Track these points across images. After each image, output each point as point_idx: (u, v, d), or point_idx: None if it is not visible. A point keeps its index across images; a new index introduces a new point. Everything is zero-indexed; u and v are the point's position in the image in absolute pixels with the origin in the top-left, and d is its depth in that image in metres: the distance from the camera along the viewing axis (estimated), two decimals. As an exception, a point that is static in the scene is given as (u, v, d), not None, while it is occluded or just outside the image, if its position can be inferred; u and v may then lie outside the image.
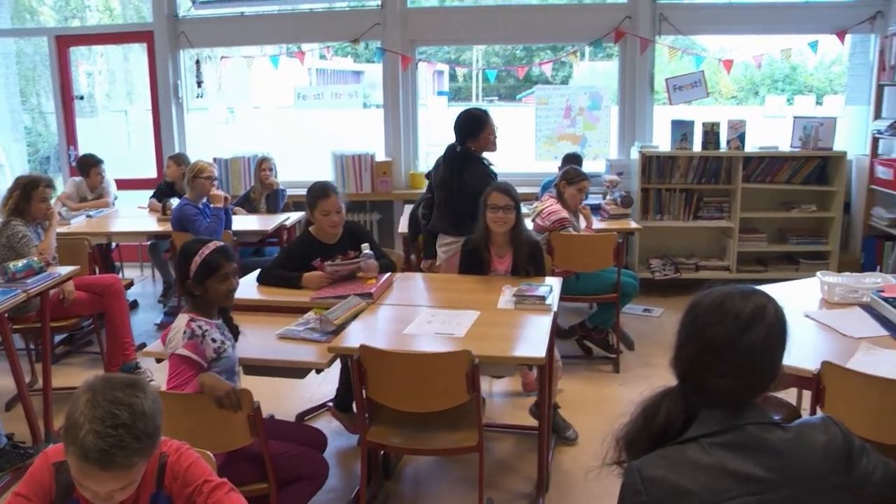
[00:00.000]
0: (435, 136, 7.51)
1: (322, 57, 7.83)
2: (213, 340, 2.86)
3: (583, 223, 5.36)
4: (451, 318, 3.44)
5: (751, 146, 6.65)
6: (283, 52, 7.57)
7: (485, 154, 4.74)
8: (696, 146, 6.64)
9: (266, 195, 6.49)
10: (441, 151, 6.56)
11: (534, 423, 3.98)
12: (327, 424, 4.17)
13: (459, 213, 4.50)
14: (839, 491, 1.61)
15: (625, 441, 1.71)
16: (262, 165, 6.47)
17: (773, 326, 1.66)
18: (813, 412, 2.83)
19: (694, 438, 1.62)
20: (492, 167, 4.70)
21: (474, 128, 4.62)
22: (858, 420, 2.75)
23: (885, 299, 3.42)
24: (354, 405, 3.37)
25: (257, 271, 4.12)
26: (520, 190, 4.27)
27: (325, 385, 4.50)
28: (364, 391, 3.11)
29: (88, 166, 6.60)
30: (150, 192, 6.74)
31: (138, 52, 7.95)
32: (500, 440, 4.18)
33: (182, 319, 2.87)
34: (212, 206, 5.47)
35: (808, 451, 1.60)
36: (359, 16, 7.21)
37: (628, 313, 5.94)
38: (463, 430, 3.15)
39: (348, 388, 3.79)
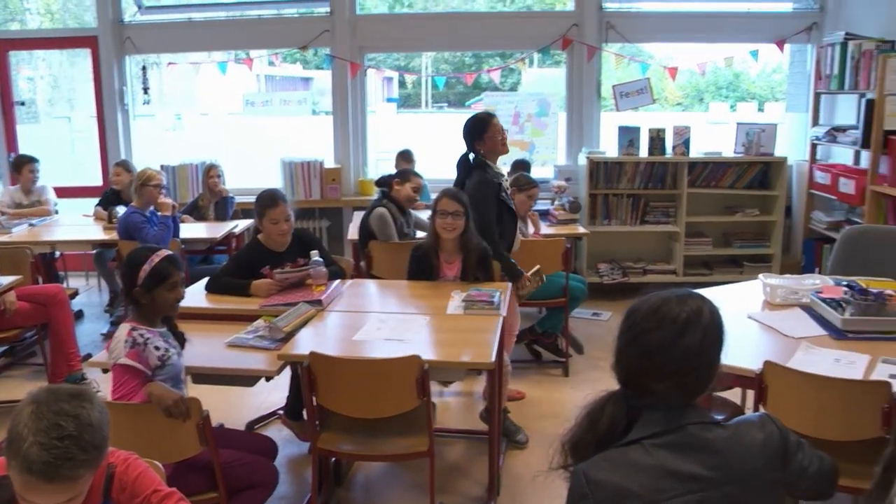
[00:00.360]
0: (384, 142, 7.52)
1: (270, 63, 7.80)
2: (157, 348, 2.83)
3: (531, 229, 5.42)
4: (401, 324, 3.45)
5: (695, 152, 6.78)
6: (232, 59, 7.52)
7: (499, 159, 4.63)
8: (643, 152, 6.75)
9: (214, 203, 6.44)
10: (391, 158, 6.59)
11: (484, 427, 4.00)
12: (278, 432, 4.14)
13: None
14: (776, 485, 1.67)
15: (570, 445, 1.74)
16: (210, 172, 6.41)
17: (709, 329, 1.71)
18: (756, 411, 2.89)
19: (637, 440, 1.66)
20: (499, 175, 4.51)
21: (478, 129, 4.45)
22: (799, 417, 2.83)
23: (823, 300, 3.52)
24: (305, 412, 3.36)
25: (206, 279, 4.09)
26: (469, 196, 4.29)
27: (275, 393, 4.47)
28: (314, 398, 3.10)
29: (21, 164, 6.46)
30: (96, 200, 6.63)
31: (82, 57, 7.81)
32: (451, 445, 4.19)
33: (123, 329, 2.84)
34: (159, 213, 5.41)
35: (746, 448, 1.66)
36: (307, 22, 7.19)
37: (577, 317, 6.01)
38: (414, 436, 3.17)
39: (298, 396, 3.77)
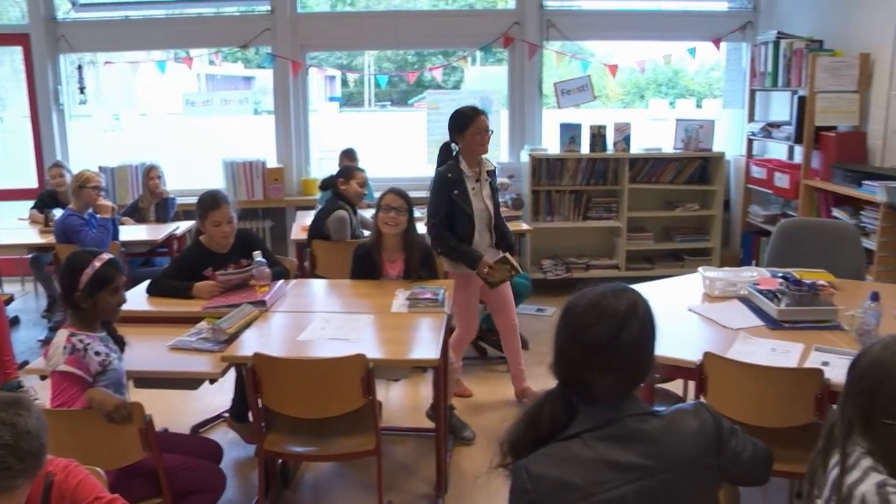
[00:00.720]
0: (327, 141, 7.49)
1: (211, 63, 7.70)
2: (97, 354, 2.79)
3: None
4: (345, 324, 3.45)
5: (636, 148, 6.89)
6: (171, 58, 7.41)
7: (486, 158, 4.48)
8: (584, 148, 6.83)
9: (155, 204, 6.35)
10: (334, 158, 6.55)
11: (431, 425, 4.03)
12: (223, 436, 4.11)
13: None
14: (711, 471, 1.72)
15: (509, 445, 1.76)
16: (150, 174, 6.31)
17: (645, 320, 1.75)
18: (696, 400, 2.95)
19: (576, 434, 1.69)
20: (460, 171, 4.29)
21: (459, 125, 4.28)
22: (738, 405, 2.91)
23: (760, 291, 3.61)
24: (250, 414, 3.34)
25: (147, 282, 4.03)
26: (413, 194, 4.31)
27: (220, 395, 4.43)
28: (259, 400, 3.09)
29: None
30: (31, 203, 6.48)
31: (10, 55, 7.60)
32: (398, 443, 4.20)
33: (61, 335, 2.79)
34: (98, 216, 5.32)
35: (682, 436, 1.70)
36: (248, 21, 7.12)
37: (522, 313, 6.02)
38: (360, 435, 3.17)
39: (244, 398, 3.75)
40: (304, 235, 5.37)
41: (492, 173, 4.44)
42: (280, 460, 3.65)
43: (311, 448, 3.21)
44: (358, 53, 10.92)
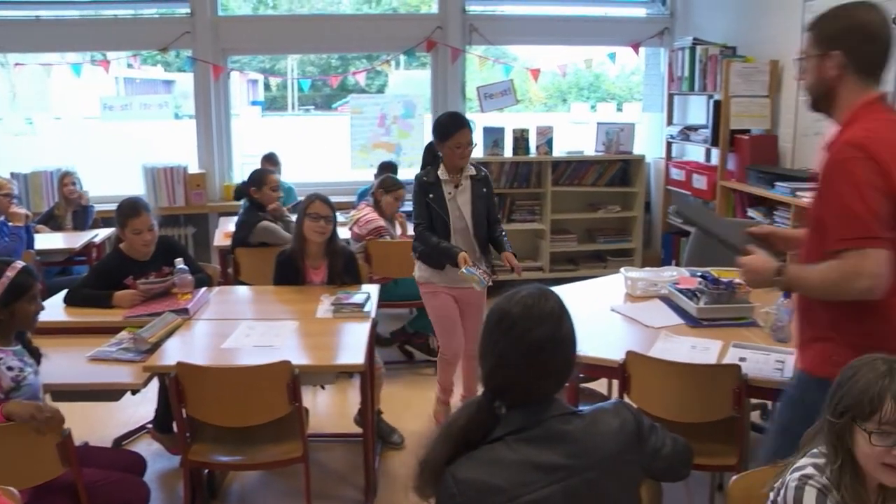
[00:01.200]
0: (249, 146, 7.40)
1: (129, 66, 7.52)
2: (10, 368, 2.70)
3: (398, 230, 5.45)
4: (270, 330, 3.42)
5: (559, 151, 6.99)
6: (87, 61, 7.22)
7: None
8: (507, 152, 6.90)
9: (73, 212, 6.17)
10: (256, 163, 6.46)
11: (359, 430, 4.01)
12: (147, 447, 4.02)
13: None
14: (633, 467, 1.77)
15: (430, 464, 1.75)
16: (65, 180, 6.13)
17: (569, 318, 1.81)
18: (620, 398, 3.02)
19: (500, 438, 1.71)
20: (432, 175, 4.14)
21: (441, 133, 4.08)
22: (660, 402, 2.98)
23: (680, 290, 3.71)
24: (175, 424, 3.28)
25: (64, 291, 3.93)
26: (336, 199, 4.29)
27: (142, 406, 4.33)
28: (184, 409, 3.04)
29: None
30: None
31: None
32: (326, 450, 4.18)
33: (-31, 350, 2.69)
34: (10, 224, 5.15)
35: (603, 434, 1.74)
36: (167, 23, 6.98)
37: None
38: (287, 442, 3.15)
39: (167, 408, 3.68)
40: (227, 242, 5.29)
41: (482, 180, 4.17)
42: (206, 470, 3.59)
43: (237, 457, 3.17)
44: (281, 57, 10.78)
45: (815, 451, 1.89)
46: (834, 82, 2.27)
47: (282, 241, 4.86)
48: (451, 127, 4.03)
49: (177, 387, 2.96)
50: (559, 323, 1.76)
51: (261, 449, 3.16)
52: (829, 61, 2.25)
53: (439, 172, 4.10)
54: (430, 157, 4.22)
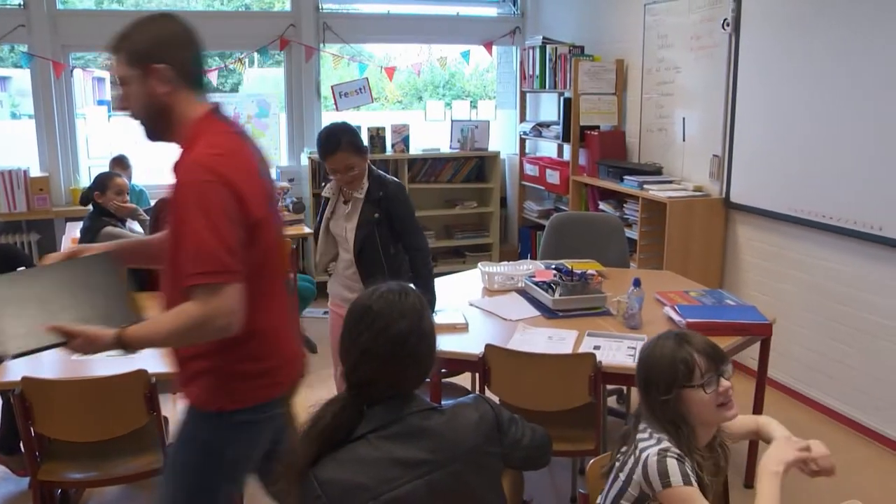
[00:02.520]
0: (97, 148, 7.07)
1: (-45, 62, 7.04)
2: None
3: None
4: (125, 339, 3.29)
5: (415, 149, 7.06)
6: None
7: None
8: (365, 150, 6.89)
9: None
10: (105, 165, 6.18)
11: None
12: (-9, 470, 3.80)
13: None
14: (494, 458, 1.83)
15: (293, 466, 1.74)
16: None
17: (430, 313, 1.87)
18: (482, 392, 3.08)
19: (362, 436, 1.72)
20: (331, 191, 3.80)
21: (318, 152, 3.63)
22: (520, 393, 3.07)
23: (536, 283, 3.82)
24: (22, 444, 3.11)
25: None
26: (192, 201, 4.15)
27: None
28: (31, 427, 2.89)
29: None
30: None
31: None
32: (188, 459, 4.06)
33: None
34: None
35: (463, 428, 1.79)
36: (-2, 17, 6.55)
37: (308, 317, 6.03)
38: (147, 454, 3.06)
39: (13, 427, 3.48)
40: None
41: (377, 202, 3.59)
42: (59, 490, 3.42)
43: (93, 473, 3.04)
44: (127, 54, 10.35)
45: (645, 436, 2.04)
46: (166, 98, 2.08)
47: None
48: (323, 150, 3.55)
49: (23, 403, 2.81)
50: (420, 317, 1.80)
51: (119, 462, 3.05)
52: (155, 77, 2.06)
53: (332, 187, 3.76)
54: None
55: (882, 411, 4.21)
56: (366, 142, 6.75)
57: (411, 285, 1.89)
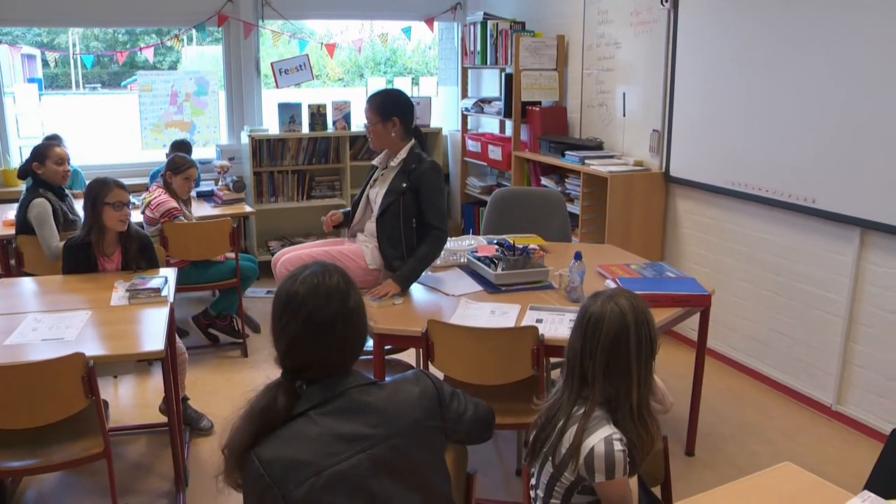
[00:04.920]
0: (28, 128, 6.88)
1: None
2: None
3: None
4: (60, 322, 3.22)
5: (356, 126, 6.99)
6: None
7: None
8: (305, 128, 6.83)
9: None
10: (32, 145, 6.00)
11: (165, 419, 3.88)
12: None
13: None
14: (437, 432, 1.83)
15: (233, 450, 1.72)
16: None
17: (356, 289, 1.85)
18: (425, 368, 3.09)
19: (303, 413, 1.71)
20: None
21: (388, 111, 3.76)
22: (464, 368, 3.08)
23: (479, 258, 3.83)
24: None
25: None
26: (129, 181, 4.10)
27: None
28: (-38, 414, 2.81)
29: None
30: None
31: None
32: (131, 443, 4.01)
33: None
34: None
35: (404, 402, 1.79)
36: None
37: (251, 297, 5.98)
38: (86, 438, 3.00)
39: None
40: (9, 231, 4.91)
41: (408, 173, 3.69)
42: (-6, 478, 3.35)
43: (30, 461, 2.96)
44: (61, 30, 10.07)
45: (578, 414, 2.06)
46: None
47: (45, 237, 4.51)
48: (403, 104, 3.82)
49: (-46, 390, 2.74)
50: (346, 297, 1.78)
51: (57, 448, 2.98)
52: None
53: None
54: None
55: (815, 378, 4.33)
56: (307, 119, 6.73)
57: (330, 262, 1.87)
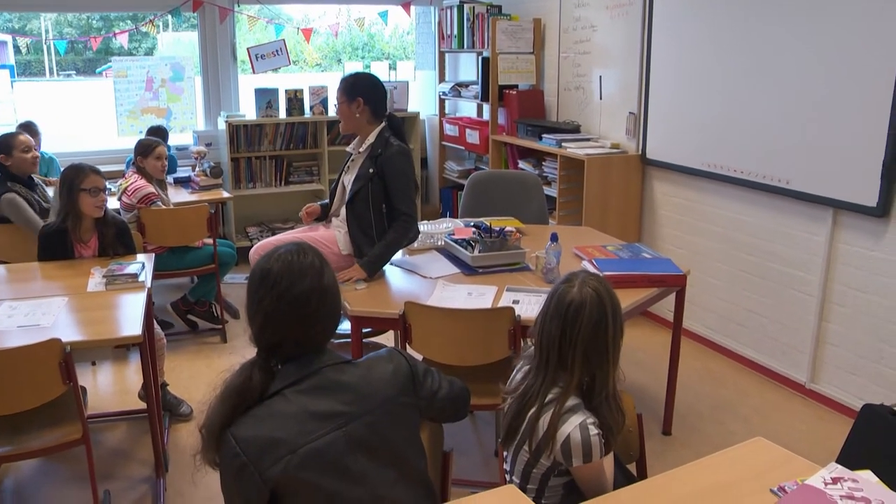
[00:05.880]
0: (1, 115, 6.81)
1: None
2: None
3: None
4: (36, 309, 3.21)
5: (333, 111, 6.96)
6: None
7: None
8: (282, 113, 6.80)
9: None
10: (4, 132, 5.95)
11: (144, 405, 3.88)
12: None
13: None
14: (411, 409, 1.85)
15: (211, 429, 1.73)
16: None
17: (330, 268, 1.86)
18: (403, 349, 3.10)
19: (278, 392, 1.72)
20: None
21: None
22: (441, 349, 3.10)
23: (456, 241, 3.85)
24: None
25: None
26: (105, 168, 4.08)
27: None
28: (-62, 402, 2.80)
29: None
30: None
31: None
32: (110, 429, 4.01)
33: None
34: None
35: (378, 379, 1.81)
36: None
37: (230, 283, 5.97)
38: (65, 425, 2.99)
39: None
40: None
41: (375, 158, 3.64)
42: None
43: (6, 448, 2.95)
44: (32, 16, 9.94)
45: (552, 400, 2.07)
46: None
47: (25, 221, 4.50)
48: (376, 85, 3.72)
49: (-71, 378, 2.73)
50: (320, 274, 1.80)
51: (35, 435, 2.97)
52: None
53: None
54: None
55: (789, 356, 4.39)
56: (284, 105, 6.70)
57: (303, 241, 1.88)
